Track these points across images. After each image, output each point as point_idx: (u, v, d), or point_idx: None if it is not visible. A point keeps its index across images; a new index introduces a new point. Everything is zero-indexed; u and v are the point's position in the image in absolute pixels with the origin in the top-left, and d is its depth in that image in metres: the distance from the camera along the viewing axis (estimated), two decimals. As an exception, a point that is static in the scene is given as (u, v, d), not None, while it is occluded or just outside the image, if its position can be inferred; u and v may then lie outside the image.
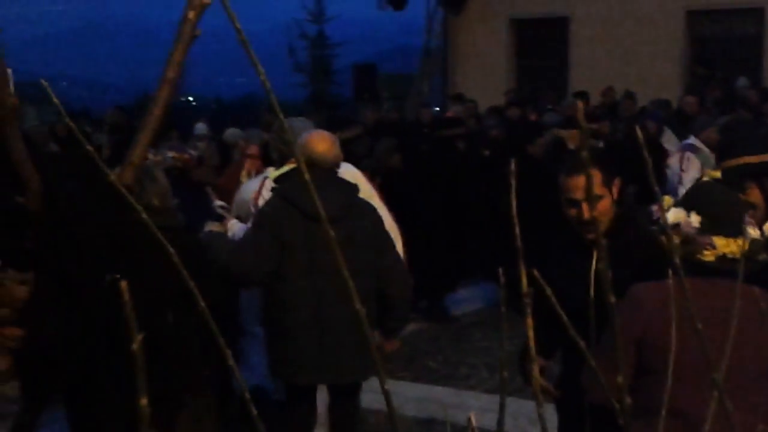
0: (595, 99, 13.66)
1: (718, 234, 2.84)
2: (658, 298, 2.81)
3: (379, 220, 4.80)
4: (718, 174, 3.16)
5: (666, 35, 16.44)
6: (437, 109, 18.44)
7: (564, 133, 8.77)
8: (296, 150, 4.63)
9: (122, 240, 2.73)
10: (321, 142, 4.71)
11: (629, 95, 12.99)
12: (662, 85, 15.06)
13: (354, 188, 4.76)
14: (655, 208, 3.09)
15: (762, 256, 2.86)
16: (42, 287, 2.74)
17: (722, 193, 3.01)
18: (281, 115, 0.89)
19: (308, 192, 3.79)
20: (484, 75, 18.16)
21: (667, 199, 3.04)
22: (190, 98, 49.45)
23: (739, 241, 2.82)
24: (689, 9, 16.34)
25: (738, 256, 2.80)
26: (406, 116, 15.71)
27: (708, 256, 2.84)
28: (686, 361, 2.42)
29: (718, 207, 2.91)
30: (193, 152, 7.22)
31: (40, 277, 2.73)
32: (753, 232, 2.90)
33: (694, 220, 2.88)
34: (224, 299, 4.93)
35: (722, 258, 2.84)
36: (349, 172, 5.22)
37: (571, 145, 8.58)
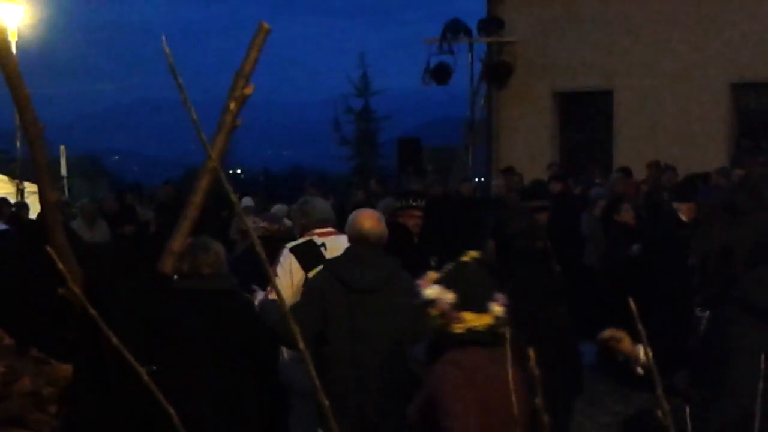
0: (641, 172, 13.57)
1: (468, 310, 3.32)
2: (474, 366, 3.31)
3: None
4: (476, 254, 3.57)
5: (710, 108, 16.37)
6: (482, 179, 18.50)
7: (677, 205, 8.77)
8: (347, 228, 5.19)
9: (162, 331, 2.75)
10: (368, 220, 5.13)
11: (670, 167, 12.91)
12: (707, 157, 14.93)
13: (395, 262, 5.11)
14: (419, 282, 3.47)
15: (504, 330, 3.30)
16: (82, 376, 2.76)
17: (476, 272, 3.47)
18: (230, 189, 0.92)
19: (351, 266, 3.89)
20: (528, 148, 18.20)
21: (432, 275, 3.50)
22: (239, 171, 50.16)
23: (486, 317, 3.33)
24: (733, 82, 16.29)
25: (484, 329, 3.33)
26: (450, 189, 15.74)
27: (458, 328, 3.33)
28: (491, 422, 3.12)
29: (470, 285, 3.39)
30: (287, 222, 7.44)
31: (80, 367, 2.75)
32: (498, 309, 3.36)
33: (448, 297, 3.34)
34: (273, 358, 5.17)
35: (470, 330, 3.33)
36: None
37: (684, 217, 8.59)
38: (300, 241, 5.89)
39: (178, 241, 2.93)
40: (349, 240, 5.13)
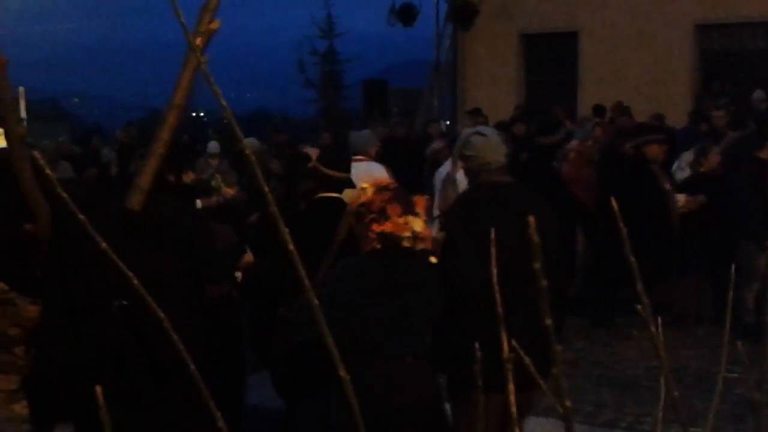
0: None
1: None
2: None
3: None
4: None
5: (675, 49, 16.41)
6: (448, 122, 18.48)
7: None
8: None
9: (129, 266, 2.75)
10: None
11: (625, 111, 12.97)
12: (672, 98, 15.05)
13: None
14: None
15: None
16: (50, 312, 2.76)
17: None
18: (239, 132, 0.93)
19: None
20: (494, 90, 18.16)
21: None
22: (201, 113, 49.74)
23: None
24: (698, 23, 16.33)
25: None
26: (416, 131, 15.70)
27: None
28: None
29: None
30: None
31: (48, 303, 2.75)
32: None
33: None
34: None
35: None
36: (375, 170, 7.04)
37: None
38: None
39: (145, 178, 2.92)
40: None
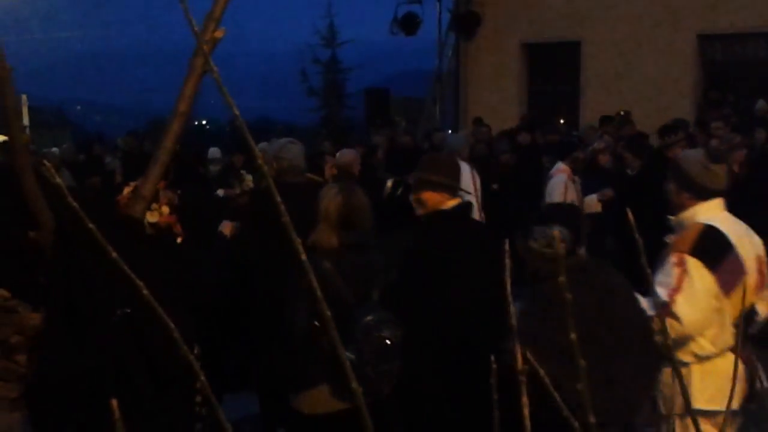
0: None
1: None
2: None
3: None
4: None
5: (677, 59, 16.42)
6: (450, 131, 18.48)
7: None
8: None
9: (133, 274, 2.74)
10: None
11: (627, 120, 13.02)
12: (674, 108, 15.03)
13: None
14: None
15: None
16: (53, 320, 2.75)
17: None
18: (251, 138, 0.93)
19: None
20: (496, 99, 18.18)
21: None
22: (204, 122, 49.64)
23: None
24: (701, 33, 16.33)
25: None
26: (418, 140, 15.72)
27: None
28: None
29: None
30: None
31: (51, 311, 2.74)
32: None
33: None
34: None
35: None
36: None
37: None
38: None
39: (149, 186, 2.92)
40: None
